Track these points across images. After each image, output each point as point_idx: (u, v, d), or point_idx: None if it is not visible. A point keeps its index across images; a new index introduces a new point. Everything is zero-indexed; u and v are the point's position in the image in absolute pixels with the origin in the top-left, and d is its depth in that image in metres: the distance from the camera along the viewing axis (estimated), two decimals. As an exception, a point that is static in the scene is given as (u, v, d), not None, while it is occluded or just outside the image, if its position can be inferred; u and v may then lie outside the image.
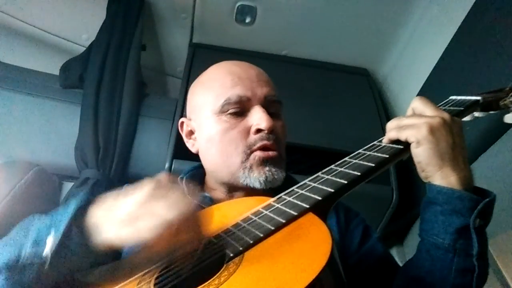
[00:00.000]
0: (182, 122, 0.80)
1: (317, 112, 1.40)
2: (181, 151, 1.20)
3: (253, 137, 0.70)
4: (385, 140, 0.62)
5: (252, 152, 0.70)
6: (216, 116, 0.72)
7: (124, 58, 1.32)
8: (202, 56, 1.50)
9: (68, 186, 1.29)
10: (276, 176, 0.69)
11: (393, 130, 0.60)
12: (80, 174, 1.23)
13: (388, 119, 1.45)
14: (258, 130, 0.70)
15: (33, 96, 1.27)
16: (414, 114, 0.62)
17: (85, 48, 1.38)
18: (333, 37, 1.55)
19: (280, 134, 0.73)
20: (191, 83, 0.82)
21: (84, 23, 1.45)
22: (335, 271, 0.43)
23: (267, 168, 0.69)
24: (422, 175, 0.59)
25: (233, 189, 0.74)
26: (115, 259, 0.52)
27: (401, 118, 0.61)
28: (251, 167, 0.69)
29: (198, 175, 0.81)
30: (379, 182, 1.25)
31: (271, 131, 0.70)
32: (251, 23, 1.49)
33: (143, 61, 1.41)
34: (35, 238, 0.49)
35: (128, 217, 0.45)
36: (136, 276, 0.49)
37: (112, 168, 1.24)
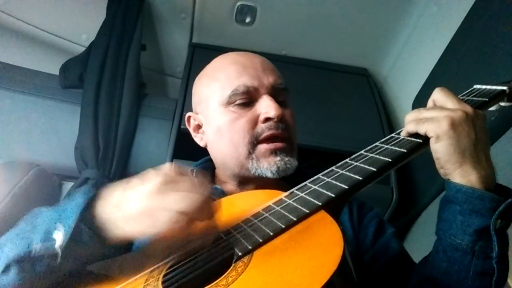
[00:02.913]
0: (189, 117, 0.79)
1: (317, 112, 1.40)
2: (181, 151, 1.20)
3: (261, 126, 0.68)
4: (403, 133, 0.58)
5: (258, 143, 0.68)
6: (223, 107, 0.70)
7: (123, 58, 1.32)
8: (202, 56, 1.49)
9: (68, 186, 1.29)
10: (289, 165, 0.67)
11: (412, 122, 0.57)
12: (80, 174, 1.23)
13: (388, 119, 1.46)
14: (267, 119, 0.68)
15: (33, 96, 1.27)
16: (435, 106, 0.58)
17: (85, 48, 1.38)
18: (332, 37, 1.55)
19: (290, 123, 0.71)
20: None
21: (84, 23, 1.45)
22: (346, 273, 0.42)
23: (278, 158, 0.67)
24: (440, 171, 0.56)
25: (244, 181, 0.73)
26: (126, 251, 0.52)
27: (421, 110, 0.57)
28: (258, 159, 0.68)
29: (209, 168, 0.80)
30: (379, 181, 1.24)
31: (280, 119, 0.68)
32: (251, 23, 1.49)
33: (142, 61, 1.40)
34: (44, 232, 0.48)
35: (141, 210, 0.45)
36: (144, 273, 0.48)
37: (112, 168, 1.24)
